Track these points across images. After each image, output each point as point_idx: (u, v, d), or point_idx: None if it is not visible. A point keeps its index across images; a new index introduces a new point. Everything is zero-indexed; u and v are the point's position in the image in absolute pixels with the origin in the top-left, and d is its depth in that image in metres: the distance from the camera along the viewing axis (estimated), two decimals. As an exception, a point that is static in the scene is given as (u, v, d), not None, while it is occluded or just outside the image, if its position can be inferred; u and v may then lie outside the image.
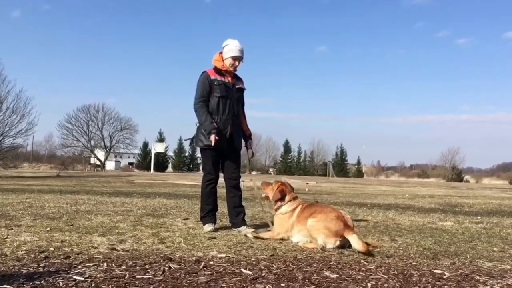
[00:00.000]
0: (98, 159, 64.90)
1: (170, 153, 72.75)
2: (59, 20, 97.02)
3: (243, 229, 4.65)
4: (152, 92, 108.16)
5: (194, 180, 26.05)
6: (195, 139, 4.85)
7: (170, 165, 72.44)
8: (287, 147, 77.54)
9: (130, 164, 74.12)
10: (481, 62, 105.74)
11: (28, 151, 62.11)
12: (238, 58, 4.71)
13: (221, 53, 4.79)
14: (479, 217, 7.42)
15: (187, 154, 74.24)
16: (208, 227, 4.71)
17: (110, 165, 65.44)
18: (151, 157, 60.04)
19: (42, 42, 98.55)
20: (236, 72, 4.84)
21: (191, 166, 74.19)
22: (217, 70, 4.74)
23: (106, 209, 6.55)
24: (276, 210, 4.45)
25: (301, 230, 4.13)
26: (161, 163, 65.55)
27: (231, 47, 4.70)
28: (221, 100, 4.68)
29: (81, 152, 64.82)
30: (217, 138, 4.56)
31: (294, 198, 4.42)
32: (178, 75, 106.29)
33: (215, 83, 4.67)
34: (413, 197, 13.77)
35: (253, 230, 4.63)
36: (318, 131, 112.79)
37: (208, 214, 4.81)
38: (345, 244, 3.86)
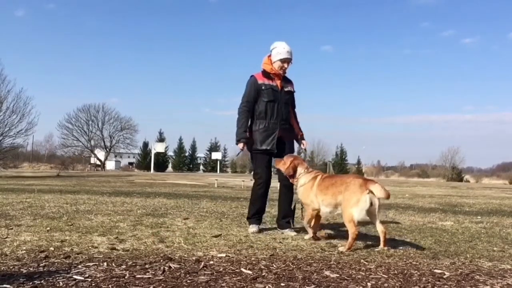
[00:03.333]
0: (98, 159, 64.89)
1: (170, 153, 72.79)
2: (63, 19, 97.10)
3: (286, 231, 4.64)
4: (153, 91, 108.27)
5: (194, 180, 26.06)
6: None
7: (170, 165, 72.44)
8: (286, 147, 77.39)
9: (130, 164, 74.14)
10: (486, 61, 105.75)
11: (28, 151, 62.08)
12: (287, 61, 4.73)
13: (269, 56, 4.81)
14: (479, 217, 7.41)
15: (187, 154, 74.29)
16: (252, 228, 4.71)
17: (110, 165, 65.45)
18: (151, 157, 59.99)
19: (45, 41, 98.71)
20: (286, 75, 4.85)
21: (191, 166, 74.19)
22: (265, 74, 4.77)
23: (106, 209, 6.55)
24: (295, 185, 4.47)
25: (324, 200, 4.10)
26: (161, 163, 65.53)
27: (279, 50, 4.71)
28: (269, 104, 4.71)
29: (81, 152, 64.81)
30: (244, 147, 4.75)
31: (309, 169, 4.41)
32: (179, 74, 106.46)
33: (263, 87, 4.71)
34: (413, 197, 13.77)
35: (295, 233, 4.59)
36: (318, 131, 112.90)
37: (255, 215, 4.84)
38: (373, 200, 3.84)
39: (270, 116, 4.71)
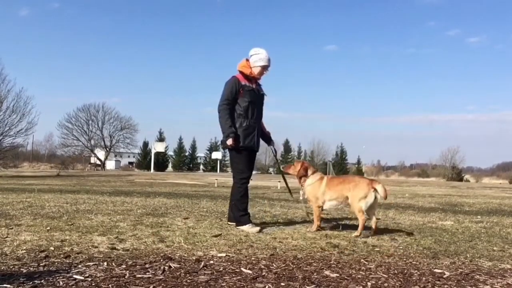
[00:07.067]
0: (98, 158, 64.90)
1: (170, 152, 72.82)
2: (65, 19, 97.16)
3: (246, 227, 4.76)
4: (153, 91, 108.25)
5: (194, 179, 26.07)
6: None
7: (170, 165, 72.47)
8: (287, 147, 77.54)
9: (130, 163, 74.21)
10: (490, 61, 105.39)
11: (28, 151, 62.08)
12: (267, 68, 4.97)
13: (247, 60, 4.94)
14: (479, 216, 7.42)
15: (187, 153, 74.32)
16: (252, 228, 4.74)
17: (110, 164, 65.45)
18: (151, 156, 60.02)
19: (45, 41, 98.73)
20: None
21: (191, 165, 74.23)
22: (245, 76, 4.91)
23: (106, 209, 6.55)
24: (302, 185, 4.98)
25: (332, 195, 4.75)
26: (161, 162, 65.58)
27: (261, 57, 4.90)
28: (251, 105, 4.89)
29: (81, 152, 64.83)
30: (234, 142, 4.78)
31: (316, 171, 4.99)
32: (179, 74, 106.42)
33: (246, 88, 4.87)
34: (413, 196, 13.77)
35: (259, 228, 4.74)
36: (318, 130, 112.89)
37: (247, 212, 4.94)
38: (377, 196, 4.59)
39: (251, 116, 4.89)
